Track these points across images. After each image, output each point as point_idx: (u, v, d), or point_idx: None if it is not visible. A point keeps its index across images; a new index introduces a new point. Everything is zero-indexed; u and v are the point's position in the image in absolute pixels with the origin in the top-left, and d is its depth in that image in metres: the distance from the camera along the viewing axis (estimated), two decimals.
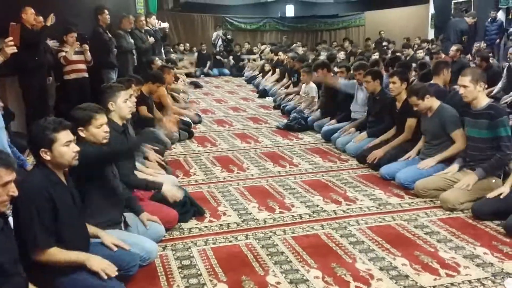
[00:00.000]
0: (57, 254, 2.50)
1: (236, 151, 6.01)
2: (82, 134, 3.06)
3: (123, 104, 3.74)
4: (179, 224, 3.76)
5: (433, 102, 4.46)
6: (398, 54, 9.26)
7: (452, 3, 14.90)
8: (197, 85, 12.24)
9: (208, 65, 15.16)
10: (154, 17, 9.51)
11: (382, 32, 16.39)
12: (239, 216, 3.94)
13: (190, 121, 7.35)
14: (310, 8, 21.76)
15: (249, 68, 14.01)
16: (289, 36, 16.49)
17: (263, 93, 10.43)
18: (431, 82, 5.50)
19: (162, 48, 9.47)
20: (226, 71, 15.25)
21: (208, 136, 6.89)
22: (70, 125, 2.70)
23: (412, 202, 4.12)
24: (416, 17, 16.94)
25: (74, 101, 6.65)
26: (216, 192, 4.54)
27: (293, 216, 3.91)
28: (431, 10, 16.43)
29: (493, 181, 3.92)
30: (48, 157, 2.57)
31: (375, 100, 5.63)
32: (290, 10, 22.05)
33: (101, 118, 3.12)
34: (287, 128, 7.06)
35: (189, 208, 3.92)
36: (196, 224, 3.81)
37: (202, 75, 14.65)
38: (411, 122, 4.92)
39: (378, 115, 5.57)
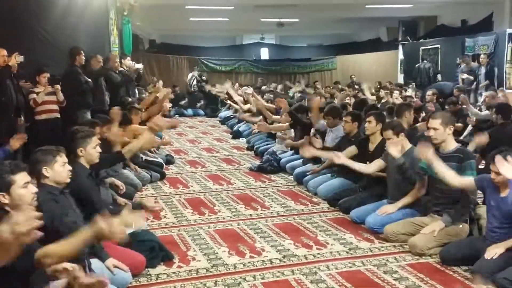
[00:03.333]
0: None
1: (208, 193, 5.98)
2: (46, 173, 3.04)
3: (93, 150, 3.71)
4: (146, 269, 3.69)
5: (405, 142, 4.55)
6: (364, 97, 9.46)
7: (420, 50, 15.42)
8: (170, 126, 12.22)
9: (184, 102, 15.24)
10: (128, 58, 9.56)
11: (353, 76, 16.78)
12: (209, 261, 3.89)
13: (162, 162, 7.31)
14: (284, 51, 22.28)
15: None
16: (264, 78, 16.74)
17: (237, 134, 10.48)
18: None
19: (136, 89, 9.49)
20: (201, 111, 15.32)
21: (180, 178, 6.84)
22: (27, 166, 2.68)
23: (382, 247, 4.13)
24: (385, 63, 17.44)
25: (45, 142, 6.57)
26: (186, 236, 4.49)
27: (263, 261, 3.88)
28: (400, 56, 16.99)
29: (460, 226, 3.98)
30: (6, 201, 2.53)
31: (349, 141, 5.70)
32: (264, 53, 22.54)
33: (64, 157, 3.17)
34: (260, 170, 7.08)
35: (158, 253, 3.86)
36: (164, 270, 3.74)
37: (176, 115, 14.66)
38: (379, 163, 4.96)
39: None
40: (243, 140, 9.96)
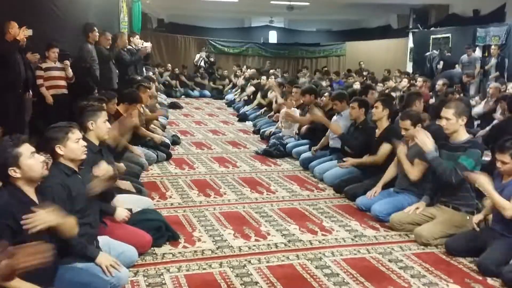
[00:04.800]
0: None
1: (213, 175, 5.98)
2: (60, 151, 3.01)
3: (103, 124, 3.71)
4: (152, 248, 3.70)
5: None
6: (369, 83, 9.41)
7: (431, 38, 15.27)
8: (177, 106, 12.23)
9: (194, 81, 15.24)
10: (137, 36, 9.52)
11: (361, 62, 16.68)
12: (214, 243, 3.90)
13: (168, 142, 7.31)
14: (292, 35, 22.12)
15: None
16: (271, 62, 16.66)
17: (243, 117, 10.46)
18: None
19: (144, 67, 9.45)
20: (207, 92, 15.28)
21: (186, 159, 6.84)
22: (26, 138, 2.68)
23: (387, 235, 4.13)
24: (395, 50, 17.31)
25: (52, 118, 6.58)
26: (192, 217, 4.50)
27: (268, 244, 3.89)
28: (410, 44, 16.84)
29: (467, 217, 3.97)
30: (18, 175, 2.54)
31: (356, 128, 5.68)
32: (273, 36, 22.38)
33: (77, 133, 3.11)
34: (266, 154, 7.06)
35: (164, 232, 3.87)
36: (170, 250, 3.75)
37: (182, 96, 14.63)
38: (386, 148, 4.96)
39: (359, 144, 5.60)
40: (249, 123, 9.94)
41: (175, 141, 7.76)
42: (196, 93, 15.18)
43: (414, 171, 4.39)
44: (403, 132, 4.58)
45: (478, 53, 12.72)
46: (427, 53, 14.54)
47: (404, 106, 5.50)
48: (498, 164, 3.60)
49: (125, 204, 4.11)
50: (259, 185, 5.60)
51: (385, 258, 3.66)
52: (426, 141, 4.01)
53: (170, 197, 5.10)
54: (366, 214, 4.61)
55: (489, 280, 3.30)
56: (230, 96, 13.49)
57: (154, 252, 3.68)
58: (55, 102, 6.77)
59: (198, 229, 4.18)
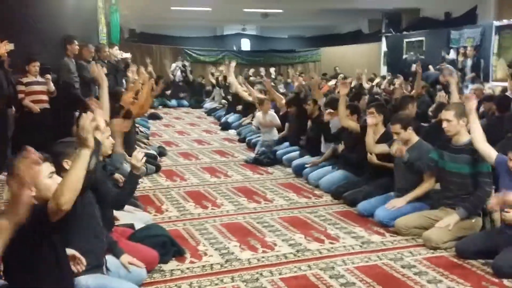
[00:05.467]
0: None
1: (207, 186, 5.86)
2: (67, 166, 2.87)
3: (107, 140, 3.58)
4: (159, 265, 3.57)
5: (412, 136, 4.51)
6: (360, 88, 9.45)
7: (404, 42, 15.51)
8: (156, 117, 12.05)
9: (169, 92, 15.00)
10: (116, 47, 9.33)
11: (337, 67, 16.79)
12: (222, 256, 3.79)
13: (155, 153, 7.15)
14: (265, 42, 22.16)
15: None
16: (248, 69, 16.59)
17: (226, 126, 10.35)
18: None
19: (123, 79, 9.27)
20: (185, 102, 15.08)
21: (175, 170, 6.70)
22: (49, 157, 2.54)
23: (395, 240, 4.09)
24: (369, 55, 17.51)
25: (34, 133, 6.36)
26: (193, 230, 4.37)
27: (277, 255, 3.80)
28: (383, 48, 17.07)
29: (473, 220, 3.96)
30: (32, 193, 2.39)
31: (350, 133, 5.65)
32: (246, 44, 22.38)
33: None
34: (256, 162, 6.98)
35: (170, 248, 3.74)
36: (177, 266, 3.62)
37: (160, 106, 14.42)
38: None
39: (351, 148, 5.57)
40: (232, 132, 9.84)
41: (162, 153, 7.61)
42: (173, 102, 14.98)
43: (427, 185, 4.39)
44: (395, 137, 4.57)
45: (452, 55, 12.94)
46: (406, 56, 14.73)
47: (397, 110, 5.50)
48: (511, 164, 3.60)
49: (125, 219, 3.99)
50: (255, 194, 5.51)
51: (398, 264, 3.61)
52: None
53: (167, 210, 4.96)
54: (369, 220, 4.56)
55: (506, 282, 3.29)
56: (208, 105, 13.33)
57: (161, 269, 3.55)
58: (38, 117, 6.54)
59: (202, 243, 4.06)
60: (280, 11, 16.85)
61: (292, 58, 19.08)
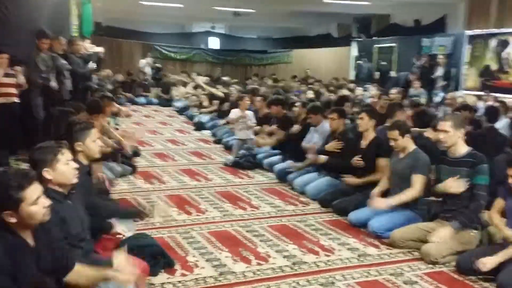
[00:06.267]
0: None
1: (187, 190, 5.62)
2: (48, 175, 2.62)
3: (93, 144, 3.31)
4: (147, 278, 3.32)
5: (409, 143, 4.41)
6: (345, 94, 9.38)
7: (375, 47, 15.59)
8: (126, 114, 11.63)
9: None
10: (88, 41, 8.92)
11: (308, 70, 16.75)
12: (214, 269, 3.57)
13: (129, 153, 6.83)
14: (234, 42, 21.93)
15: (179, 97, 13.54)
16: (219, 68, 16.38)
17: (199, 126, 10.07)
18: (386, 125, 5.53)
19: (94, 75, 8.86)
20: (154, 100, 14.67)
21: (152, 172, 6.42)
22: (35, 175, 2.27)
23: (391, 253, 3.96)
24: (340, 59, 17.55)
25: (1, 127, 5.97)
26: (179, 238, 4.14)
27: (273, 268, 3.61)
28: (354, 52, 17.13)
29: (471, 233, 3.89)
30: (13, 220, 2.12)
31: (336, 139, 5.52)
32: (215, 43, 22.08)
33: (67, 154, 2.73)
34: (236, 165, 6.77)
35: (159, 259, 3.50)
36: (168, 278, 3.39)
37: (127, 103, 13.98)
38: (384, 162, 4.79)
39: (338, 153, 5.44)
40: (207, 132, 9.58)
41: (135, 153, 7.28)
42: (142, 100, 14.55)
43: (417, 190, 4.25)
44: (392, 143, 4.47)
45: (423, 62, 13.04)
46: (359, 61, 14.88)
47: (386, 117, 5.41)
48: (510, 180, 3.54)
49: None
50: (239, 200, 5.31)
51: (399, 280, 3.48)
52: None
53: (149, 216, 4.69)
54: (361, 230, 4.43)
55: None
56: (180, 104, 13.00)
57: (151, 282, 3.30)
58: (5, 111, 6.12)
59: (192, 253, 3.83)
60: (252, 10, 16.68)
61: (263, 59, 18.95)
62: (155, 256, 3.45)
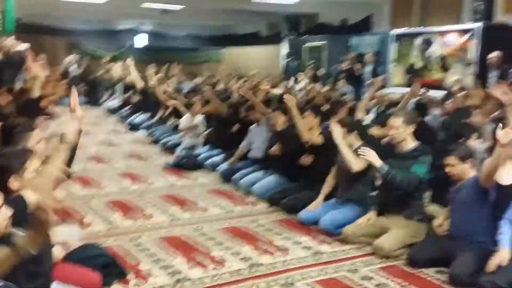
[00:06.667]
0: None
1: (129, 194, 5.40)
2: (15, 186, 2.39)
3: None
4: None
5: (357, 140, 4.48)
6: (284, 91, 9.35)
7: (306, 46, 15.82)
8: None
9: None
10: (12, 37, 8.34)
11: (239, 68, 16.71)
12: (170, 276, 3.43)
13: None
14: (163, 39, 21.48)
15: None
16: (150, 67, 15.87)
17: (133, 126, 9.75)
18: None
19: (19, 75, 8.28)
20: (81, 99, 14.04)
21: (88, 176, 6.11)
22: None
23: (344, 250, 3.99)
24: (269, 57, 17.67)
25: None
26: (128, 246, 3.95)
27: (230, 272, 3.52)
28: (283, 51, 17.30)
29: (419, 225, 4.00)
30: None
31: (279, 136, 5.51)
32: (142, 40, 21.50)
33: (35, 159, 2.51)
34: (177, 166, 6.60)
35: (112, 269, 3.31)
36: None
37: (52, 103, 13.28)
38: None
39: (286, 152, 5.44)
40: (142, 133, 9.28)
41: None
42: (67, 99, 13.85)
43: (358, 162, 4.27)
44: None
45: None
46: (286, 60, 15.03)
47: (331, 114, 5.47)
48: (447, 169, 3.69)
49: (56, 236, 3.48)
50: (186, 202, 5.17)
51: (356, 276, 3.51)
52: (374, 156, 3.95)
53: (91, 224, 4.46)
54: (312, 228, 4.44)
55: None
56: (112, 103, 12.52)
57: None
58: None
59: (144, 261, 3.67)
60: (182, 6, 16.37)
61: (195, 57, 18.70)
62: (107, 266, 3.27)
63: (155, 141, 8.30)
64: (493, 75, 8.64)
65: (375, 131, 5.42)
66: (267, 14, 17.41)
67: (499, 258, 3.26)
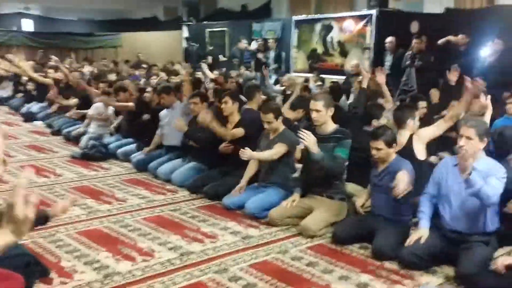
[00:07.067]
0: None
1: (38, 188, 5.03)
2: None
3: None
4: None
5: (281, 125, 4.52)
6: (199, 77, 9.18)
7: (206, 32, 15.68)
8: None
9: None
10: None
11: (140, 54, 16.20)
12: (96, 271, 3.25)
13: None
14: (52, 24, 20.24)
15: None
16: (44, 53, 14.85)
17: (29, 117, 9.08)
18: (247, 107, 5.61)
19: None
20: None
21: None
22: None
23: (271, 232, 4.04)
24: (170, 42, 17.34)
25: None
26: (46, 243, 3.69)
27: (161, 263, 3.41)
28: (183, 35, 17.04)
29: (341, 204, 4.15)
30: None
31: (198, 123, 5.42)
32: (28, 25, 20.08)
33: None
34: (85, 157, 6.26)
35: (33, 268, 3.06)
36: None
37: None
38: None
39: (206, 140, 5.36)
40: (39, 123, 8.69)
41: None
42: None
43: (274, 152, 4.41)
44: (266, 126, 4.52)
45: (254, 46, 13.52)
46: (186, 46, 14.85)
47: (247, 99, 5.48)
48: (373, 152, 3.84)
49: None
50: (101, 194, 4.93)
51: (287, 257, 3.56)
52: (312, 142, 3.98)
53: None
54: (237, 213, 4.44)
55: (387, 264, 3.46)
56: (3, 92, 11.54)
57: None
58: None
59: (65, 258, 3.45)
60: None
61: (91, 42, 17.81)
62: (28, 266, 3.02)
63: (56, 132, 7.80)
64: (388, 60, 9.17)
65: (288, 114, 5.52)
66: None
67: (418, 234, 3.46)
